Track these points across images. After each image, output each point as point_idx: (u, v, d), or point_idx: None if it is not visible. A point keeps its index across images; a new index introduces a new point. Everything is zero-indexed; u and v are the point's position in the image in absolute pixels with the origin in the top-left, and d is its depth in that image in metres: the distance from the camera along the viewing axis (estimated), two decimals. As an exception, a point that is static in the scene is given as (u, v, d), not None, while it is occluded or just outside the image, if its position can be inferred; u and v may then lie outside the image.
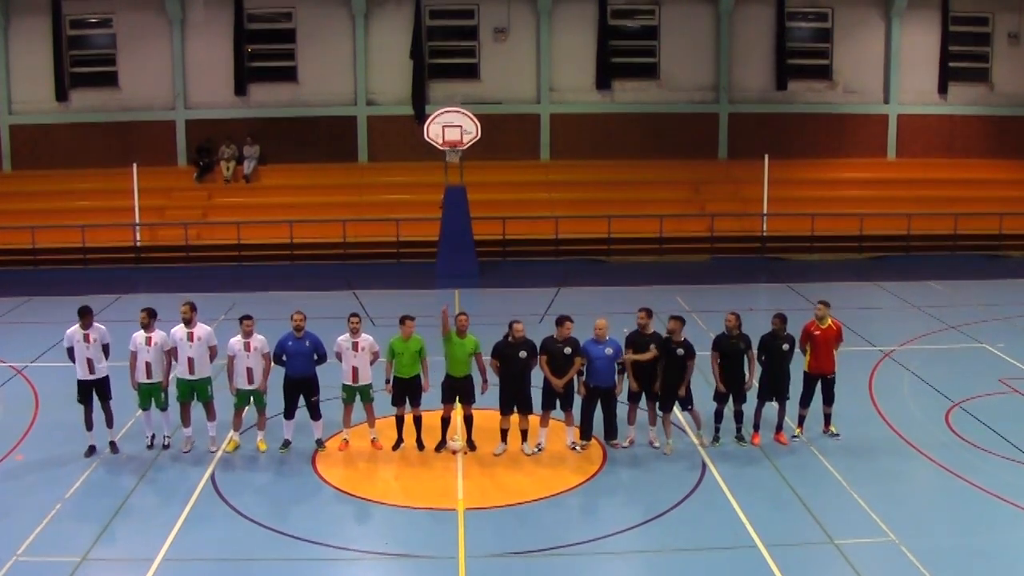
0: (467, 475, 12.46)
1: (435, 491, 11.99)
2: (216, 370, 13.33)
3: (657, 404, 13.11)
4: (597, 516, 11.51)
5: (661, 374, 12.92)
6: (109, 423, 13.07)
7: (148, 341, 12.88)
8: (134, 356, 12.94)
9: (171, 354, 13.06)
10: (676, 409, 13.28)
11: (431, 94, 31.32)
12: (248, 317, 13.09)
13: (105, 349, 12.99)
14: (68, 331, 13.03)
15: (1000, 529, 10.85)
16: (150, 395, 12.97)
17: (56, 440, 13.40)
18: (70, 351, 12.94)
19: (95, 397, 12.95)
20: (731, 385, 13.16)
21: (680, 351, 12.83)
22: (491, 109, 30.26)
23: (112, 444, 13.04)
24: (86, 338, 12.85)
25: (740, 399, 13.23)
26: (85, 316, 12.95)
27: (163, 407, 13.08)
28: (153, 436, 13.17)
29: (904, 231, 29.37)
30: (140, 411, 13.19)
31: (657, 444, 13.10)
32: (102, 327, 13.08)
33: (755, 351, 13.23)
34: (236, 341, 12.99)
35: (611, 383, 13.05)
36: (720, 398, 13.24)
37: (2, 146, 31.31)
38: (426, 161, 28.00)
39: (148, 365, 12.88)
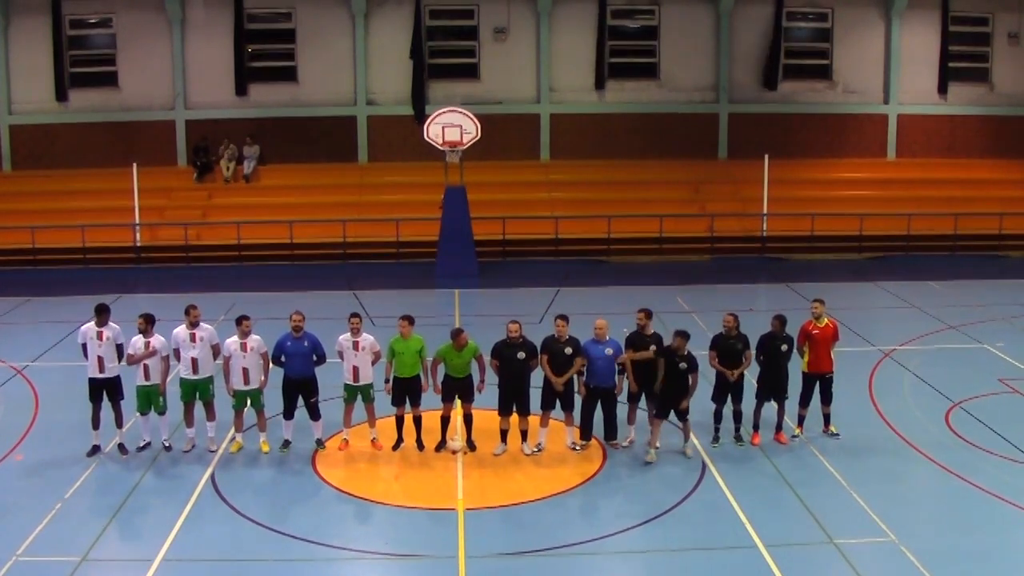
0: (467, 475, 12.46)
1: (435, 491, 11.99)
2: (215, 370, 13.32)
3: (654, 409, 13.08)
4: (597, 516, 11.50)
5: (661, 383, 12.87)
6: (119, 423, 13.06)
7: (147, 346, 12.85)
8: (132, 359, 12.89)
9: (170, 357, 13.03)
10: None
11: (431, 94, 31.32)
12: (246, 317, 13.07)
13: (119, 350, 12.97)
14: (83, 327, 13.07)
15: (1000, 529, 10.85)
16: (148, 398, 12.95)
17: (56, 440, 13.40)
18: (84, 347, 12.95)
19: (104, 397, 12.94)
20: (729, 385, 13.17)
21: (683, 365, 12.76)
22: (491, 109, 30.27)
23: (121, 446, 13.01)
24: (99, 336, 12.84)
25: (739, 399, 13.24)
26: (101, 314, 12.94)
27: (161, 411, 13.04)
28: (148, 443, 13.09)
29: (904, 231, 29.36)
30: (138, 414, 13.16)
31: (658, 444, 13.09)
32: (117, 327, 13.06)
33: (753, 351, 13.24)
34: (232, 342, 12.98)
35: (611, 383, 13.05)
36: (719, 397, 13.24)
37: (2, 146, 31.31)
38: (426, 161, 27.97)
39: (146, 368, 12.87)
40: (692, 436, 13.15)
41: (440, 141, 25.52)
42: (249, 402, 13.06)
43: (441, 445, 13.15)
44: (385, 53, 31.40)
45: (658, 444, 12.89)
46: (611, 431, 13.21)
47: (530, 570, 10.10)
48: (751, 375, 13.48)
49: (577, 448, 13.15)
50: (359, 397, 13.16)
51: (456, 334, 12.96)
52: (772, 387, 13.29)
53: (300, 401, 13.09)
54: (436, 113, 26.06)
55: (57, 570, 9.87)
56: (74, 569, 9.92)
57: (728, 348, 13.11)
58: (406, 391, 13.02)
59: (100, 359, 12.85)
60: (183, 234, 28.40)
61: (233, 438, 13.21)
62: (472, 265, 26.40)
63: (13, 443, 13.45)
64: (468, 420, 13.13)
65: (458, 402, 13.12)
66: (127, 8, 30.92)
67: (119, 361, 13.03)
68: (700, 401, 13.31)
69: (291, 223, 28.07)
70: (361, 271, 26.75)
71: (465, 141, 25.54)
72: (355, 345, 13.03)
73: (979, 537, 10.64)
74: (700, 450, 13.10)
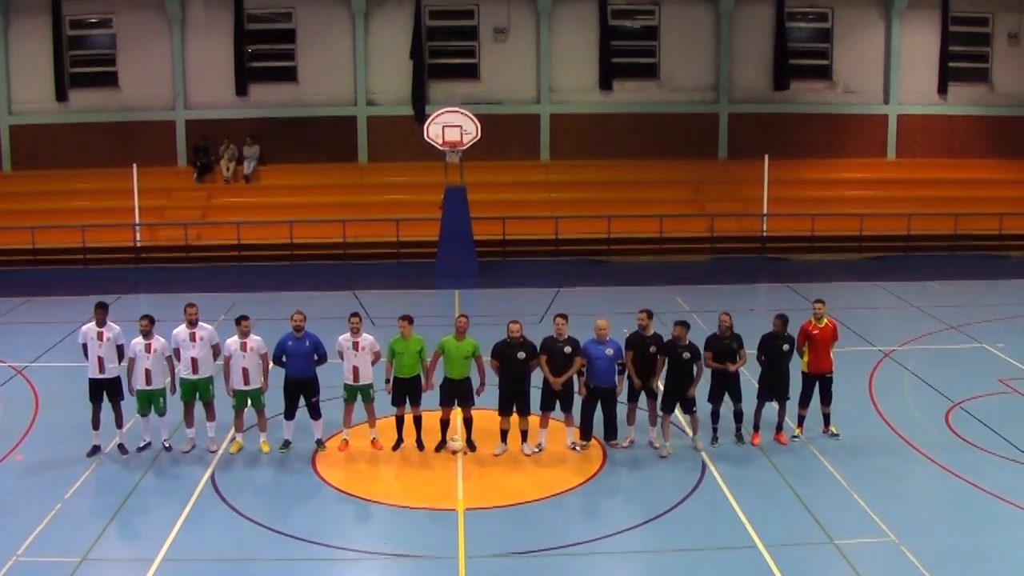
0: (467, 475, 12.46)
1: (435, 491, 11.99)
2: (215, 370, 13.31)
3: (658, 404, 13.11)
4: (597, 516, 11.51)
5: (665, 375, 12.90)
6: (119, 423, 13.05)
7: (148, 348, 12.84)
8: (132, 363, 12.89)
9: (172, 358, 13.03)
10: (677, 411, 13.27)
11: (431, 94, 31.33)
12: (245, 317, 13.06)
13: (119, 350, 12.96)
14: (83, 327, 13.06)
15: (1000, 529, 10.85)
16: (149, 401, 12.94)
17: (56, 440, 13.40)
18: (84, 348, 12.94)
19: (104, 397, 12.93)
20: (725, 384, 13.17)
21: (686, 355, 12.83)
22: (491, 109, 30.30)
23: (121, 446, 13.00)
24: (100, 336, 12.83)
25: (739, 399, 13.24)
26: (99, 312, 12.92)
27: (162, 412, 13.04)
28: (149, 443, 13.09)
29: (904, 231, 29.36)
30: (138, 415, 13.14)
31: (657, 444, 13.11)
32: (117, 327, 13.04)
33: (755, 351, 13.24)
34: (232, 342, 12.97)
35: (611, 383, 13.05)
36: (715, 397, 13.23)
37: (2, 146, 31.32)
38: (426, 161, 27.97)
39: (148, 372, 12.85)
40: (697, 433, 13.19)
41: (440, 141, 25.52)
42: (249, 402, 13.05)
43: (441, 445, 13.15)
44: (385, 53, 31.40)
45: (668, 442, 12.93)
46: (611, 431, 13.21)
47: (530, 570, 10.10)
48: (752, 375, 13.47)
49: (577, 448, 13.15)
50: (359, 397, 13.16)
51: (458, 318, 13.02)
52: (773, 387, 13.30)
53: (301, 401, 13.09)
54: (436, 113, 26.07)
55: (57, 570, 9.86)
56: (74, 569, 9.91)
57: (723, 348, 13.10)
58: (406, 391, 13.02)
59: (100, 359, 12.83)
60: (183, 234, 28.40)
61: (233, 438, 13.20)
62: (472, 265, 26.40)
63: (13, 443, 13.44)
64: (468, 421, 13.13)
65: (457, 405, 13.10)
66: (127, 8, 30.93)
67: (119, 362, 13.02)
68: (699, 401, 13.32)
69: (291, 223, 28.06)
70: (361, 271, 26.74)
71: (465, 141, 25.55)
72: (355, 345, 13.03)
73: (979, 537, 10.63)
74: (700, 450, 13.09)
